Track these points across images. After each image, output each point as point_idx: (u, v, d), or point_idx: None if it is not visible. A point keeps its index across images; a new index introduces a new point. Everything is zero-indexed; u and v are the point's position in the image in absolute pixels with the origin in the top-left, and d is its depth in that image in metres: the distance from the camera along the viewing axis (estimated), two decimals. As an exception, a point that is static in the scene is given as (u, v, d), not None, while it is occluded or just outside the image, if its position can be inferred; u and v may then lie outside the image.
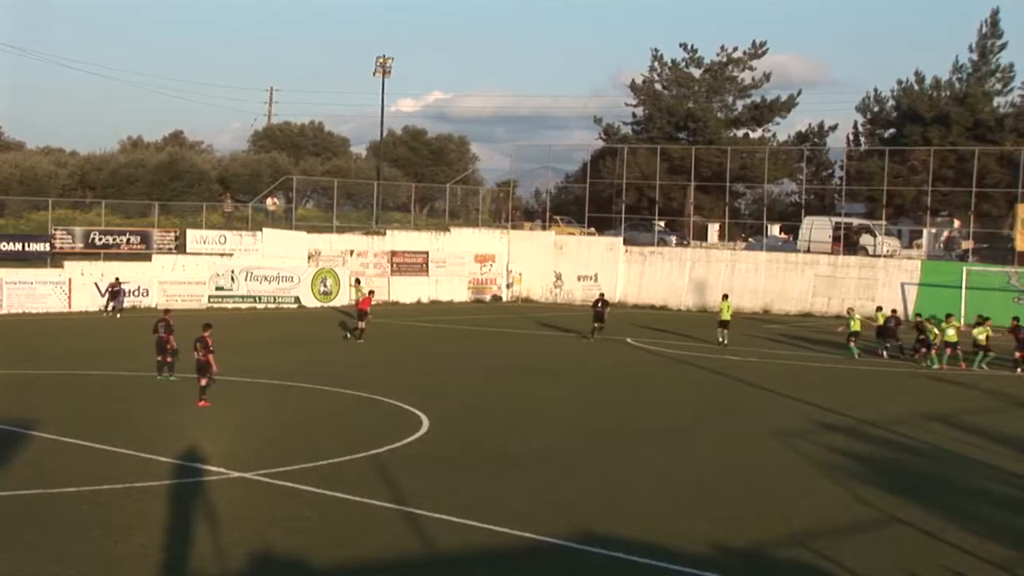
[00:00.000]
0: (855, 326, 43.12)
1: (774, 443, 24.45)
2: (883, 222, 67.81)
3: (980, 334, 41.00)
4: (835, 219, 68.12)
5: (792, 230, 72.30)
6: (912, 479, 21.16)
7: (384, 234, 65.18)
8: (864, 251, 64.95)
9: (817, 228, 66.76)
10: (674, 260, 68.09)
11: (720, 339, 45.84)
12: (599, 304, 48.09)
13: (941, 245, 70.09)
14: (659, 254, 68.68)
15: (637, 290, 67.51)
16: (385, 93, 75.56)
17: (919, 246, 69.07)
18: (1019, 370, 39.52)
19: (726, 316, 46.58)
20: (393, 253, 64.54)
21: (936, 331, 41.56)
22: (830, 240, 65.80)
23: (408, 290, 63.87)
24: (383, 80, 72.06)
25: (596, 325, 47.08)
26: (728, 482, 20.54)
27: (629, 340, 46.65)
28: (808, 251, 65.86)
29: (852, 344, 42.86)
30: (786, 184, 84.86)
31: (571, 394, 31.81)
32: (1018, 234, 59.86)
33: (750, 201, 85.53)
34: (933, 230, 70.47)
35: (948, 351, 40.46)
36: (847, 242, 65.27)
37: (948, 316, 42.89)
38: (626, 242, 69.52)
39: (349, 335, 44.49)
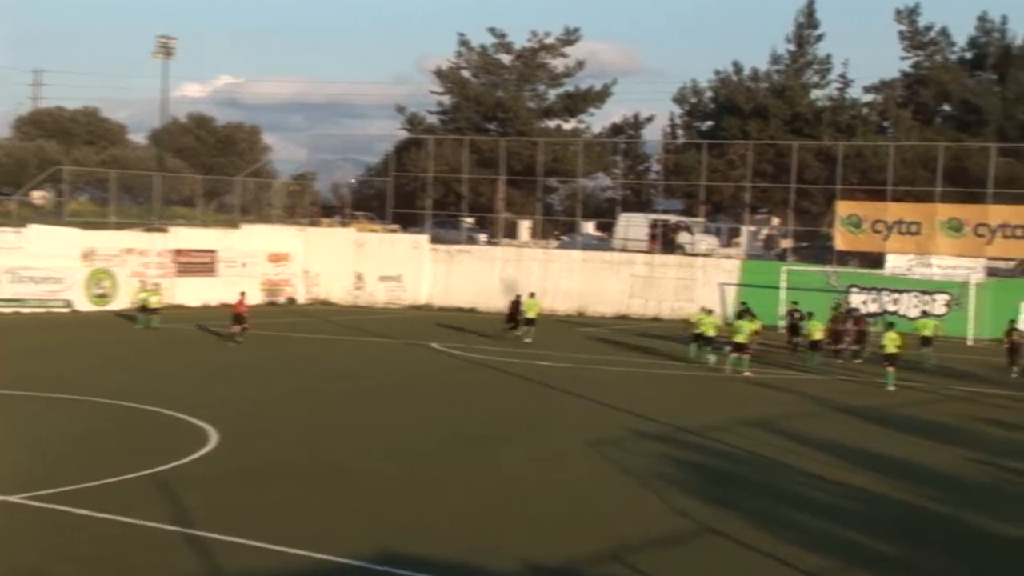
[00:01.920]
0: (705, 329, 43.48)
1: (589, 452, 24.87)
2: (701, 219, 69.70)
3: (814, 330, 43.52)
4: (652, 216, 69.70)
5: (607, 227, 73.60)
6: (730, 488, 21.80)
7: (167, 231, 63.75)
8: (682, 250, 66.57)
9: (633, 225, 68.18)
10: (483, 259, 68.54)
11: (525, 337, 48.14)
12: (517, 304, 51.12)
13: (760, 243, 72.44)
14: (467, 253, 69.04)
15: (444, 291, 67.68)
16: (168, 77, 74.16)
17: (738, 244, 71.17)
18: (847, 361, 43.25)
19: (532, 314, 49.11)
20: (177, 252, 63.07)
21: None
22: (647, 238, 67.29)
23: (194, 292, 62.48)
24: (165, 63, 70.64)
25: (510, 325, 50.19)
26: (541, 494, 20.80)
27: (435, 345, 46.80)
28: (624, 250, 67.14)
29: (696, 345, 43.56)
30: (601, 179, 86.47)
31: (374, 403, 31.71)
32: (837, 232, 62.32)
33: (563, 196, 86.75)
34: (752, 228, 72.77)
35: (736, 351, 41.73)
36: (664, 240, 66.84)
37: (744, 312, 45.01)
38: (432, 240, 69.59)
39: (237, 338, 45.09)
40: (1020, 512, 20.56)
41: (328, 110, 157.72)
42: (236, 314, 46.03)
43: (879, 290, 59.36)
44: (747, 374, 39.80)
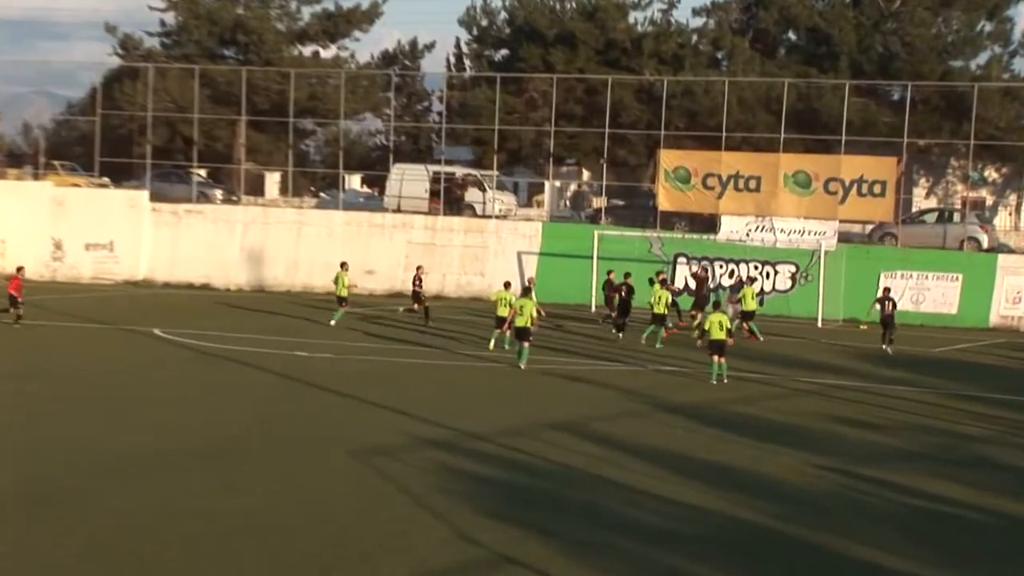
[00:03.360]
0: (501, 309, 43.27)
1: (355, 466, 24.75)
2: (494, 172, 70.03)
3: (659, 302, 45.18)
4: (433, 168, 69.82)
5: (378, 182, 73.48)
6: (532, 507, 21.92)
7: None
8: (471, 210, 66.94)
9: (410, 180, 68.21)
10: (220, 222, 67.68)
11: (334, 320, 48.91)
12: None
13: (567, 202, 73.29)
14: (199, 214, 68.10)
15: (170, 263, 66.66)
16: None
17: (540, 203, 71.94)
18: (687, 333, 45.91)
19: (343, 292, 49.81)
20: None
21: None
22: (427, 196, 67.42)
23: None
24: None
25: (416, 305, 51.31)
26: (294, 520, 20.61)
27: (157, 331, 46.09)
28: (399, 210, 67.17)
29: (501, 332, 43.45)
30: (369, 120, 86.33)
31: (74, 408, 31.06)
32: (661, 189, 63.28)
33: (322, 143, 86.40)
34: (557, 183, 73.62)
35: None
36: (449, 198, 67.07)
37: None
38: (153, 197, 68.44)
39: (15, 321, 45.90)
40: (875, 529, 21.20)
41: (16, 29, 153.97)
42: (11, 295, 46.59)
43: (712, 260, 60.69)
44: (522, 367, 39.73)
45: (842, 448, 28.56)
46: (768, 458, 26.97)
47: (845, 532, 20.83)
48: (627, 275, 50.90)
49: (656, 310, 45.98)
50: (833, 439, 29.77)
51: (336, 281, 50.62)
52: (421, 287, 52.45)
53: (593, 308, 57.36)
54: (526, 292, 42.44)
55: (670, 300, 47.10)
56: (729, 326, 38.44)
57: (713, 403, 34.55)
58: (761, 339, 47.84)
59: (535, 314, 40.52)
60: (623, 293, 49.24)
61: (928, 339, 51.26)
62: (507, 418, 30.82)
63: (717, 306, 41.28)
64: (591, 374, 39.41)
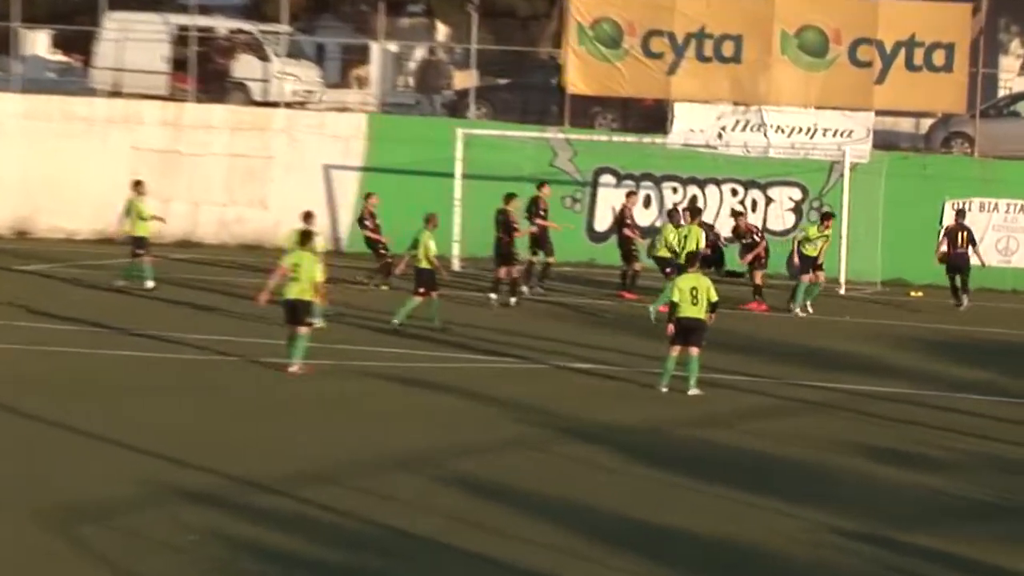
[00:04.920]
0: (423, 261, 45.03)
1: (44, 537, 24.25)
2: (284, 28, 69.76)
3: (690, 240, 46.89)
4: (178, 20, 69.35)
5: (80, 44, 73.06)
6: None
7: None
8: (243, 93, 66.57)
9: (137, 40, 67.63)
10: None
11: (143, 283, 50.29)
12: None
13: (410, 81, 73.16)
14: None
15: None
16: None
17: (363, 81, 71.76)
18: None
19: (141, 230, 51.20)
20: None
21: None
22: (166, 69, 66.96)
23: None
24: None
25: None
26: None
27: None
28: (118, 93, 66.68)
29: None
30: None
31: None
32: (571, 57, 62.99)
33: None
34: (393, 47, 73.37)
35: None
36: (206, 73, 66.71)
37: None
38: None
39: None
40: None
41: None
42: None
43: (659, 180, 60.74)
44: (293, 370, 39.53)
45: (877, 500, 28.85)
46: (757, 518, 27.00)
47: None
48: (509, 197, 51.79)
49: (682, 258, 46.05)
50: (863, 485, 30.10)
51: (127, 211, 50.55)
52: (377, 229, 52.69)
53: (456, 262, 57.23)
54: (305, 240, 40.77)
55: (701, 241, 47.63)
56: (713, 297, 38.22)
57: (662, 424, 34.75)
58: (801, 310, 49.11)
59: (319, 276, 39.87)
60: (502, 228, 49.43)
61: (1021, 313, 51.84)
62: (307, 453, 30.69)
63: (693, 260, 40.48)
64: (451, 376, 39.37)
